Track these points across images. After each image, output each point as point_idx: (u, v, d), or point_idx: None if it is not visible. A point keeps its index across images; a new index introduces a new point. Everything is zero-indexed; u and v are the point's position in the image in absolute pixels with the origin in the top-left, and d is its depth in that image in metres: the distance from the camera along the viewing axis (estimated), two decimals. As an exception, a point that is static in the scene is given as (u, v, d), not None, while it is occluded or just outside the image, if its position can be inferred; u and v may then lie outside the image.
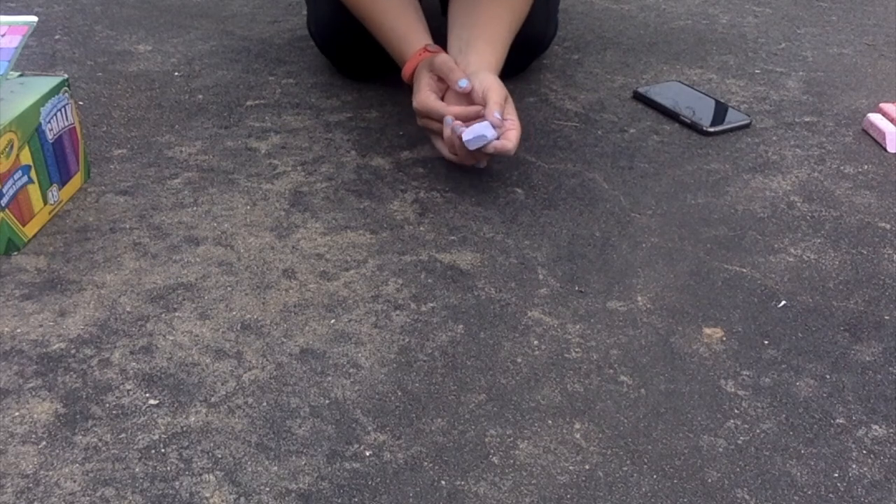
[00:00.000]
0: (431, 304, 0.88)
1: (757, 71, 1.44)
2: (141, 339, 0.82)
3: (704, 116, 1.25)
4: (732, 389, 0.78)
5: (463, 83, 1.05)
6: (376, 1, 1.17)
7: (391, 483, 0.68)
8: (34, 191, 0.95)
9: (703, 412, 0.75)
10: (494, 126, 1.00)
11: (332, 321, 0.85)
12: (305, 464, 0.69)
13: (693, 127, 1.24)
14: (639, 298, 0.89)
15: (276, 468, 0.69)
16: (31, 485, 0.67)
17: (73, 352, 0.80)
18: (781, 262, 0.96)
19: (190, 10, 1.63)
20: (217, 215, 1.01)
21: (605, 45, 1.53)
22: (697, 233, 1.00)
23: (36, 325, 0.83)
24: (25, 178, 0.93)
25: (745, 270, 0.94)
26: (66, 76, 1.01)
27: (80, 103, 1.26)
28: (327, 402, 0.75)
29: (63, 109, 1.00)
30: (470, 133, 1.00)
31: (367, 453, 0.70)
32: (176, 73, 1.37)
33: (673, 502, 0.67)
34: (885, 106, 1.26)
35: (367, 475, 0.68)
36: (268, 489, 0.67)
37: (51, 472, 0.68)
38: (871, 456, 0.71)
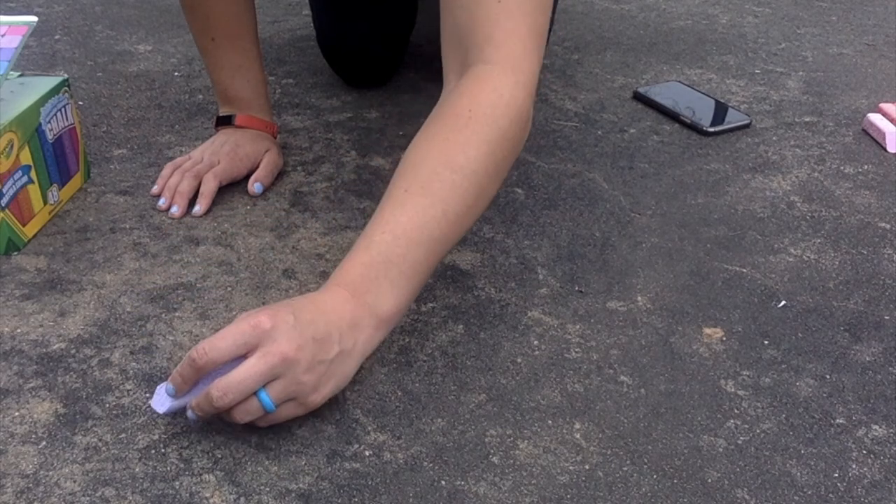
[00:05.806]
0: (431, 304, 0.87)
1: (757, 71, 1.44)
2: (141, 339, 0.82)
3: (704, 116, 1.25)
4: (732, 389, 0.78)
5: (257, 188, 1.03)
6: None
7: (391, 483, 0.68)
8: (34, 191, 0.95)
9: (703, 412, 0.75)
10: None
11: (332, 321, 0.85)
12: (305, 464, 0.69)
13: (693, 127, 1.24)
14: (639, 298, 0.89)
15: (276, 468, 0.69)
16: (31, 485, 0.67)
17: (73, 352, 0.80)
18: (781, 262, 0.96)
19: (190, 10, 1.63)
20: (217, 215, 1.01)
21: (605, 45, 1.53)
22: (697, 233, 1.00)
23: (36, 325, 0.83)
24: (25, 178, 0.93)
25: (745, 270, 0.94)
26: (66, 76, 1.01)
27: (80, 103, 1.26)
28: (327, 402, 0.75)
29: (63, 109, 1.00)
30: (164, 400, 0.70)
31: (367, 453, 0.70)
32: (176, 73, 1.37)
33: (673, 502, 0.67)
34: (885, 106, 1.26)
35: (367, 475, 0.68)
36: (268, 489, 0.67)
37: (51, 472, 0.68)
38: (871, 456, 0.71)
